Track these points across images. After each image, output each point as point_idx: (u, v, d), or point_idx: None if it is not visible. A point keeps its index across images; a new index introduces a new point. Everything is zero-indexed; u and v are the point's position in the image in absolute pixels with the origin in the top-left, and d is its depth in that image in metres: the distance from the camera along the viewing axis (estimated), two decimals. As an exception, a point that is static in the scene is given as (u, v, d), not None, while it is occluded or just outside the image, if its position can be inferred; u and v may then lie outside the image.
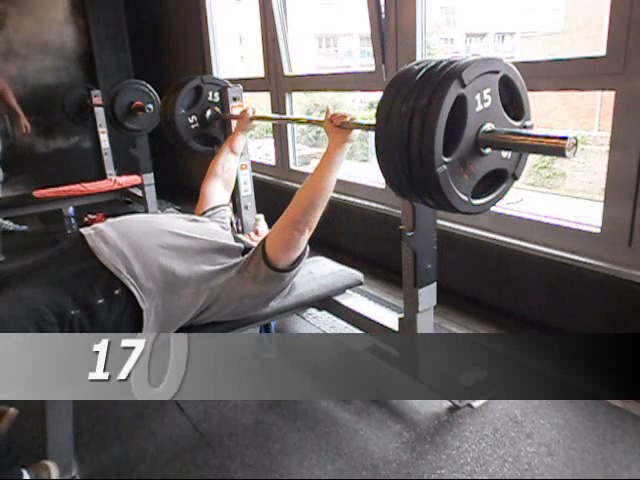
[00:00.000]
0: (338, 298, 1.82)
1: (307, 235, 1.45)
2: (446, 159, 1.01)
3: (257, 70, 3.48)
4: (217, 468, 1.42)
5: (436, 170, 1.00)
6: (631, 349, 1.74)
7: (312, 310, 1.95)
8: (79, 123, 4.27)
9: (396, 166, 1.07)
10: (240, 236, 1.76)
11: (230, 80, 2.33)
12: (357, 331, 1.79)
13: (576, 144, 0.93)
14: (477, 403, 1.61)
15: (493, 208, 1.74)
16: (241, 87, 2.18)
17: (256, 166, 3.25)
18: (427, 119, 0.97)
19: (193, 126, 2.28)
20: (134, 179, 3.66)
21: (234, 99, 2.15)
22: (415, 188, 1.09)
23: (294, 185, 3.16)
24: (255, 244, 1.56)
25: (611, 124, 1.70)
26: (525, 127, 1.10)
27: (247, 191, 2.23)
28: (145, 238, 1.43)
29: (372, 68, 2.51)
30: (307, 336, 2.10)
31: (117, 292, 1.32)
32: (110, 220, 1.53)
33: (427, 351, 1.52)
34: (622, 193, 1.70)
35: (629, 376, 1.69)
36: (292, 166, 3.35)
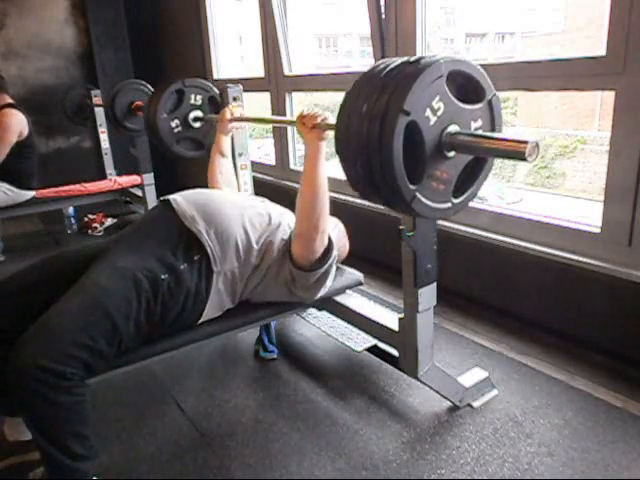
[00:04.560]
0: (338, 298, 1.82)
1: (320, 238, 1.50)
2: (413, 187, 0.99)
3: (257, 70, 3.48)
4: (217, 468, 1.42)
5: (409, 203, 0.99)
6: (631, 349, 1.74)
7: (312, 310, 1.95)
8: (79, 123, 4.27)
9: (370, 196, 1.07)
10: None
11: (230, 80, 2.34)
12: (357, 331, 1.79)
13: (537, 148, 0.90)
14: (477, 403, 1.61)
15: (493, 208, 1.74)
16: (241, 87, 2.18)
17: (256, 166, 3.25)
18: (384, 160, 0.95)
19: (176, 130, 2.29)
20: (134, 179, 3.66)
21: (234, 99, 2.15)
22: (397, 211, 1.09)
23: (294, 185, 3.16)
24: None
25: (611, 124, 1.70)
26: (490, 103, 1.07)
27: (247, 191, 2.24)
28: (219, 209, 1.55)
29: (372, 68, 2.51)
30: (307, 336, 2.10)
31: (196, 258, 1.45)
32: (183, 192, 1.64)
33: (427, 351, 1.52)
34: (622, 193, 1.70)
35: (629, 376, 1.69)
36: (292, 166, 3.35)
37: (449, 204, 1.07)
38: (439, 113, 0.99)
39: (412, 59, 0.99)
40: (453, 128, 1.01)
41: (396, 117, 0.93)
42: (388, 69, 0.99)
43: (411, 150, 0.97)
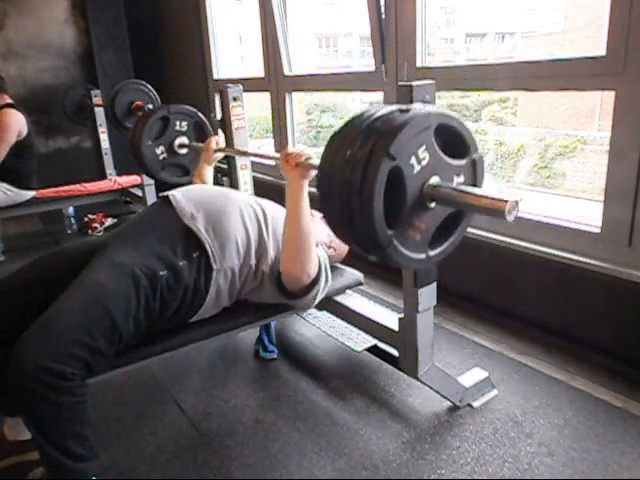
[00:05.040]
0: (338, 298, 1.82)
1: (307, 276, 1.47)
2: (390, 231, 0.98)
3: (257, 70, 3.48)
4: (217, 468, 1.42)
5: (383, 247, 0.97)
6: (631, 349, 1.74)
7: (312, 310, 1.95)
8: (79, 123, 4.27)
9: (348, 239, 1.07)
10: None
11: (230, 80, 2.34)
12: (357, 331, 1.79)
13: (517, 206, 0.90)
14: (477, 403, 1.61)
15: (493, 208, 1.71)
16: (241, 87, 2.18)
17: (256, 166, 3.25)
18: (364, 202, 0.94)
19: (161, 157, 2.27)
20: (134, 179, 3.66)
21: (234, 99, 2.15)
22: (370, 257, 1.08)
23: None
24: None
25: (611, 124, 1.70)
26: (474, 161, 1.07)
27: (247, 191, 2.24)
28: (219, 206, 1.55)
29: (372, 68, 2.51)
30: (307, 336, 2.10)
31: (195, 255, 1.45)
32: (183, 188, 1.64)
33: (427, 351, 1.52)
34: (622, 193, 1.69)
35: (629, 376, 1.69)
36: (292, 166, 3.35)
37: (424, 255, 1.06)
38: (424, 163, 0.99)
39: (403, 108, 0.99)
40: (436, 180, 1.01)
41: (381, 160, 0.92)
42: (377, 115, 0.99)
43: (392, 196, 0.96)
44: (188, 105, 2.34)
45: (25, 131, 3.22)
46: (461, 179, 1.06)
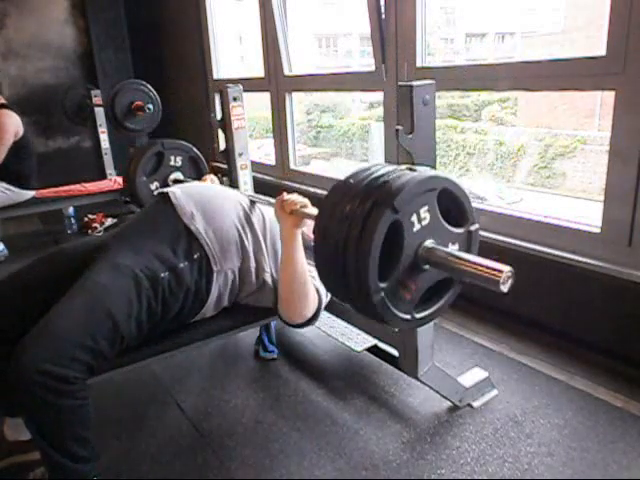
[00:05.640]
0: (338, 298, 1.82)
1: (305, 318, 1.44)
2: (382, 284, 0.96)
3: (257, 70, 3.48)
4: (217, 468, 1.42)
5: (372, 299, 0.96)
6: (631, 349, 1.74)
7: (312, 310, 1.94)
8: (79, 123, 4.28)
9: (336, 289, 1.07)
10: None
11: (230, 80, 2.34)
12: (357, 331, 1.79)
13: (511, 277, 0.91)
14: (477, 403, 1.61)
15: (493, 208, 1.74)
16: (241, 87, 2.19)
17: (256, 166, 3.25)
18: (360, 251, 0.93)
19: (155, 192, 2.27)
20: (134, 179, 3.65)
21: (234, 99, 2.15)
22: (358, 310, 1.07)
23: (294, 185, 3.16)
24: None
25: (611, 124, 1.70)
26: (470, 232, 1.07)
27: (247, 191, 2.24)
28: (220, 205, 1.55)
29: (372, 68, 2.51)
30: (307, 336, 2.11)
31: (196, 256, 1.44)
32: (181, 185, 1.63)
33: (427, 351, 1.52)
34: (622, 193, 1.69)
35: (629, 376, 1.69)
36: (292, 166, 3.35)
37: (409, 316, 1.05)
38: (424, 223, 0.98)
39: (411, 167, 1.01)
40: (433, 242, 1.01)
41: (384, 211, 0.92)
42: (383, 171, 1.00)
43: (388, 252, 0.96)
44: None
45: (21, 132, 3.21)
46: (456, 247, 1.06)
